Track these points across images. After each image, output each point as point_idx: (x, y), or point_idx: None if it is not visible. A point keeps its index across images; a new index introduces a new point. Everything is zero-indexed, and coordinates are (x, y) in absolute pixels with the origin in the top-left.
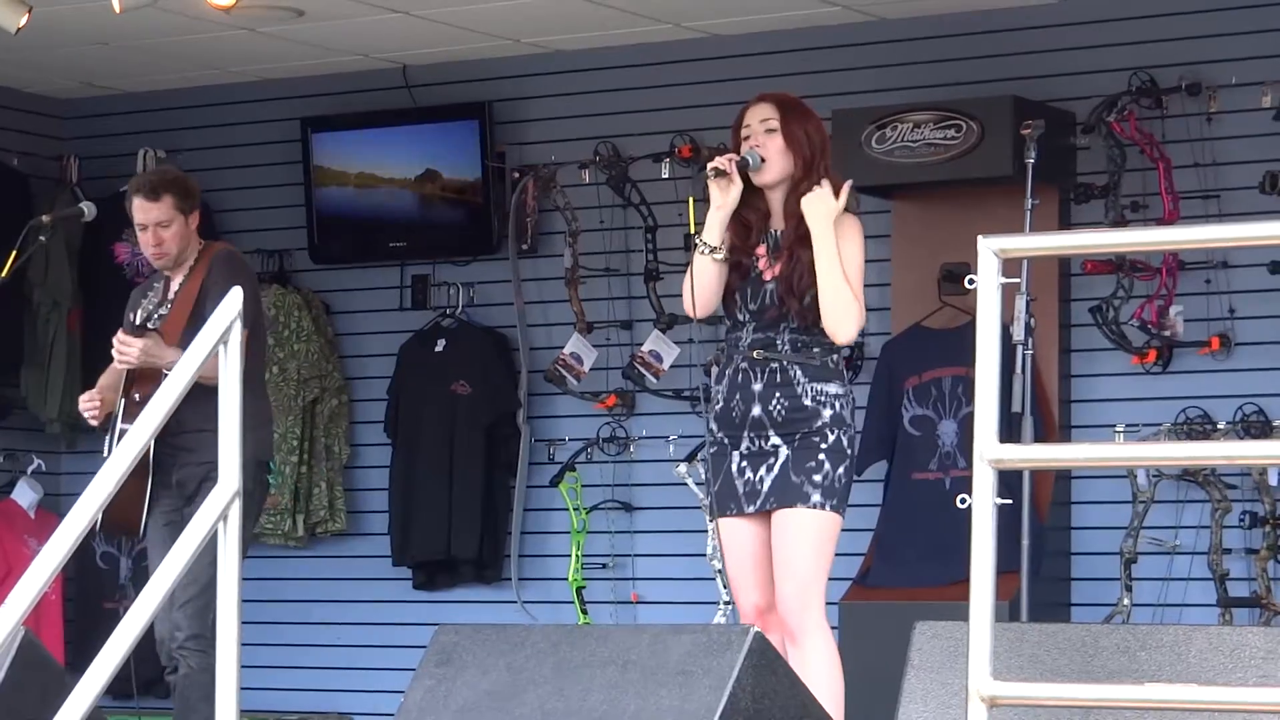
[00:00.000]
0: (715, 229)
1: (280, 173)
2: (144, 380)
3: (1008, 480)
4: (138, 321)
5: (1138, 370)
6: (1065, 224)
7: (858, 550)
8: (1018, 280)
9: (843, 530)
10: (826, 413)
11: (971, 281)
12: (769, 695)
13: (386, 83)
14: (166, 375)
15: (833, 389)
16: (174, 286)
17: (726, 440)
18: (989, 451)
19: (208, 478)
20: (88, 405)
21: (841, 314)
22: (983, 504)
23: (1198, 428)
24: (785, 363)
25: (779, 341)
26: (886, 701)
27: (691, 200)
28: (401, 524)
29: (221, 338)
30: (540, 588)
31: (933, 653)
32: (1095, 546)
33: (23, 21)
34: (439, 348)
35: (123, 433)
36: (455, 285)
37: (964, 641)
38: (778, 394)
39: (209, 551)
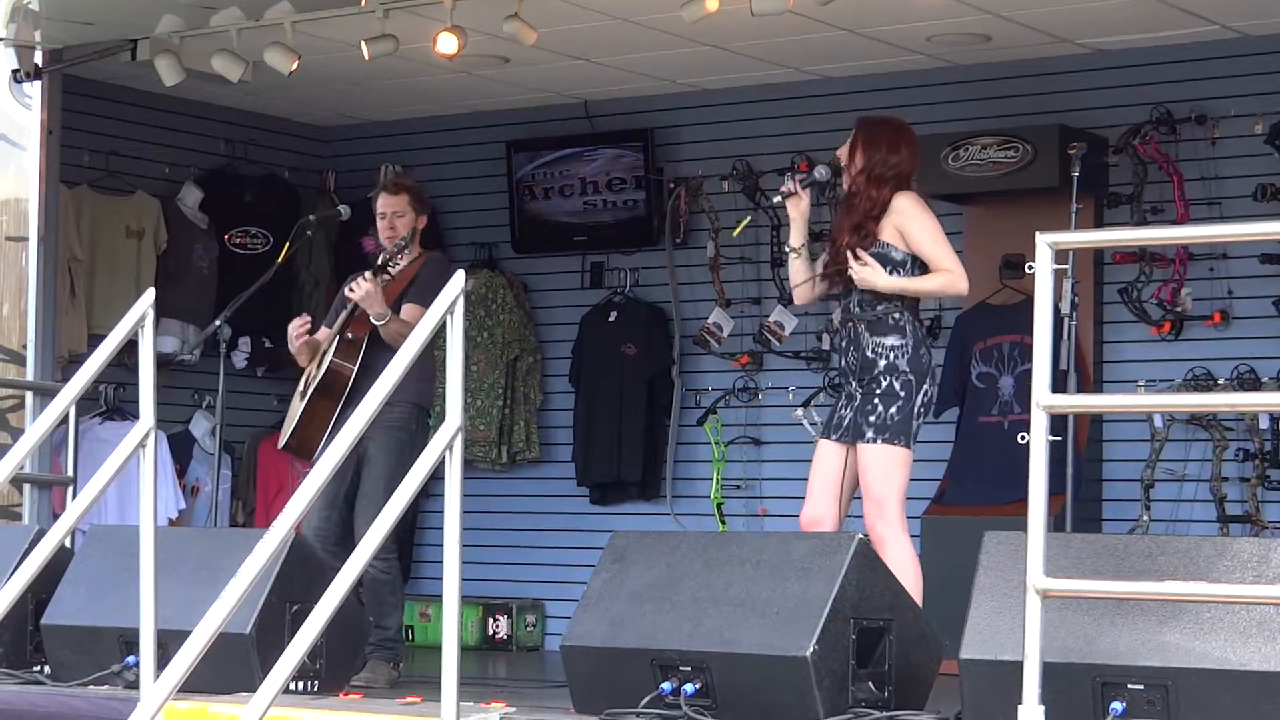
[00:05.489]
0: (794, 235)
1: (489, 183)
2: (359, 324)
3: (1056, 422)
4: (379, 262)
5: (1156, 338)
6: (1100, 224)
7: (935, 476)
8: (1066, 267)
9: (923, 461)
10: (882, 362)
11: (1030, 268)
12: (870, 586)
13: (571, 114)
14: (375, 323)
15: (890, 341)
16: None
17: (840, 384)
18: (1044, 399)
19: (378, 422)
20: (299, 325)
21: (944, 293)
22: (1038, 440)
23: (1202, 383)
24: (855, 321)
25: (853, 304)
26: (962, 594)
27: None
28: (582, 453)
29: (448, 309)
30: (689, 503)
31: (998, 556)
32: (1122, 475)
33: (294, 66)
34: (611, 318)
35: (329, 364)
36: (624, 270)
37: (1023, 547)
38: (852, 348)
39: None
